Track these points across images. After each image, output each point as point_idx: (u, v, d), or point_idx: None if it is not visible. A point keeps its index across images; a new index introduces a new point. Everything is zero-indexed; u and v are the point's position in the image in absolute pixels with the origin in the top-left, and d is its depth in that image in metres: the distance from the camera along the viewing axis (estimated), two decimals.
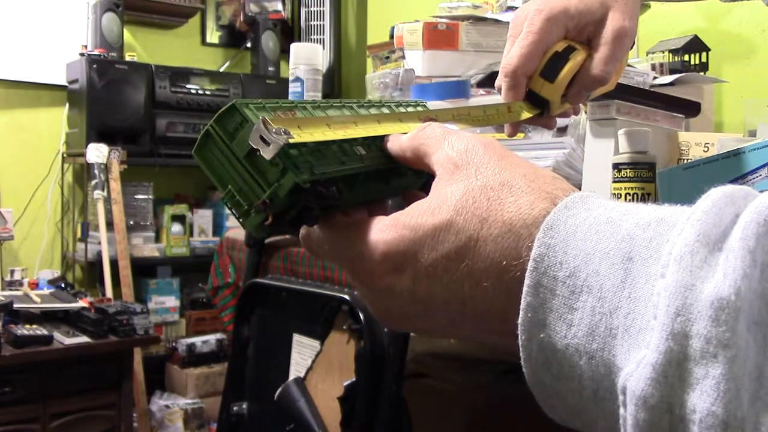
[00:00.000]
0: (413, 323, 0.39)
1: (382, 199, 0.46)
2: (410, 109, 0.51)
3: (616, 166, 0.94)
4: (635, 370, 0.28)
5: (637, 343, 0.28)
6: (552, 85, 0.65)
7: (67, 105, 3.10)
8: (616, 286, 0.30)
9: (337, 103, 0.47)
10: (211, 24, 3.56)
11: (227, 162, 0.39)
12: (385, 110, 0.48)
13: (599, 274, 0.31)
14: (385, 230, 0.38)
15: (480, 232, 0.35)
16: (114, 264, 2.76)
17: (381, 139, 0.44)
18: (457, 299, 0.36)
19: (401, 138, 0.43)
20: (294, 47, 1.90)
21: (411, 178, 0.47)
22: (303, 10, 3.48)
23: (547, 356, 0.32)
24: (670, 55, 1.65)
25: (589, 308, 0.31)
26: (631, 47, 0.71)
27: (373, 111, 0.48)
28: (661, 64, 1.52)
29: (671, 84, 1.35)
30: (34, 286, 2.65)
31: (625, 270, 0.30)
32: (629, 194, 0.92)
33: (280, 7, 3.53)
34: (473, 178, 0.37)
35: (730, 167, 0.60)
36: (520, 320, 0.33)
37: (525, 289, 0.32)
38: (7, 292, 2.51)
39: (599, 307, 0.30)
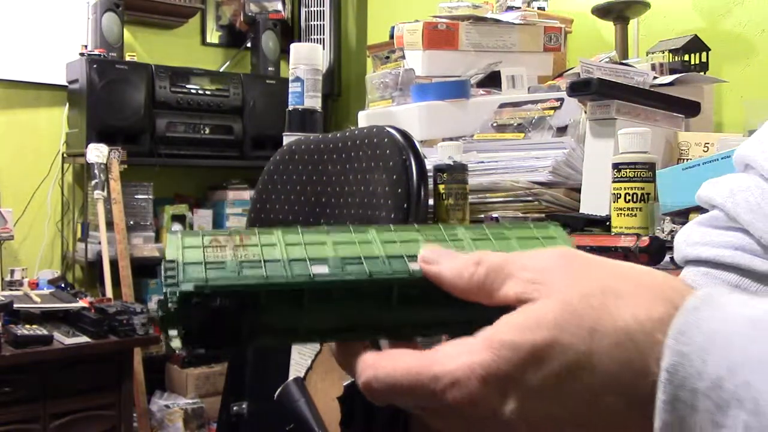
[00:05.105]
0: None
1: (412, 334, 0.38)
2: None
3: (616, 166, 0.94)
4: None
5: None
6: None
7: (67, 105, 3.10)
8: None
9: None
10: (211, 24, 3.56)
11: None
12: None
13: (751, 386, 0.27)
14: (478, 352, 0.32)
15: (591, 345, 0.31)
16: (114, 264, 2.76)
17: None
18: (572, 420, 0.32)
19: (456, 280, 0.36)
20: (294, 47, 1.90)
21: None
22: (303, 10, 3.48)
23: None
24: (670, 55, 1.65)
25: (741, 425, 0.27)
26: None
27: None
28: (661, 64, 1.52)
29: (671, 84, 1.35)
30: (34, 286, 2.64)
31: None
32: (629, 194, 0.92)
33: (280, 7, 3.53)
34: (567, 288, 0.32)
35: (729, 167, 0.59)
36: None
37: (660, 405, 0.29)
38: (7, 292, 2.51)
39: (755, 424, 0.26)
